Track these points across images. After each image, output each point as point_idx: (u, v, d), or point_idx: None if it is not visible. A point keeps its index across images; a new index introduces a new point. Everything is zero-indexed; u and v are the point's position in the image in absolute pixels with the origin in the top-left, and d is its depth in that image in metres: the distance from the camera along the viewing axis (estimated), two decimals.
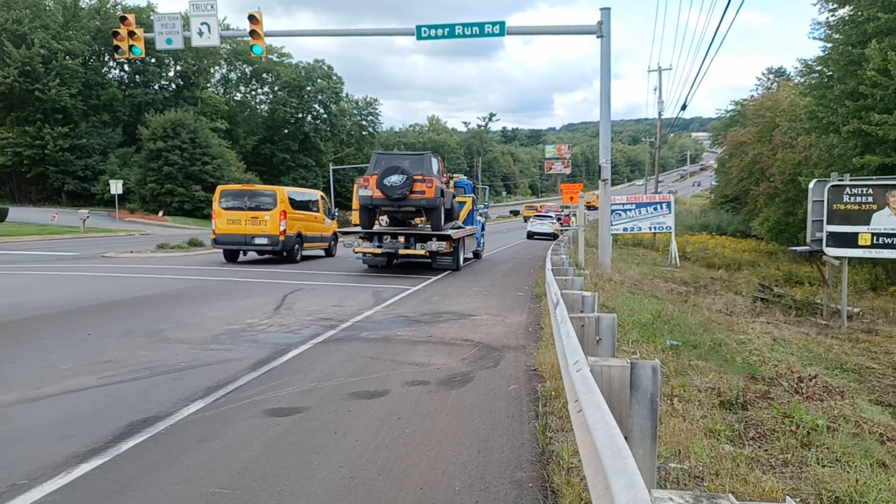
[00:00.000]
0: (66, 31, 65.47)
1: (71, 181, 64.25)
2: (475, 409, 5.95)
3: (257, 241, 20.36)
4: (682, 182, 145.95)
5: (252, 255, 22.15)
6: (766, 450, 5.07)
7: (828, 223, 15.68)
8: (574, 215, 52.25)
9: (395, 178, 17.24)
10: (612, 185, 19.43)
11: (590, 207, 44.48)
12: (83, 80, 65.27)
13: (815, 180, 16.87)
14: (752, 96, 51.25)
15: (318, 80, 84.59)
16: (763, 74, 58.00)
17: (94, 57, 70.53)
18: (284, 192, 21.57)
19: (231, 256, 21.65)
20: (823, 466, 4.68)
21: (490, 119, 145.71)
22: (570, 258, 18.13)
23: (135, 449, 4.78)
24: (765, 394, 6.69)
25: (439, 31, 18.85)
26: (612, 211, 24.73)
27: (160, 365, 7.35)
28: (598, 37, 18.38)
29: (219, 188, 21.95)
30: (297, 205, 22.00)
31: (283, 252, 21.00)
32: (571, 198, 27.76)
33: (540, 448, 4.93)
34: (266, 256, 22.04)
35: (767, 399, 6.49)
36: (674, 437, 4.94)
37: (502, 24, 18.41)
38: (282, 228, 20.38)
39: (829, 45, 24.70)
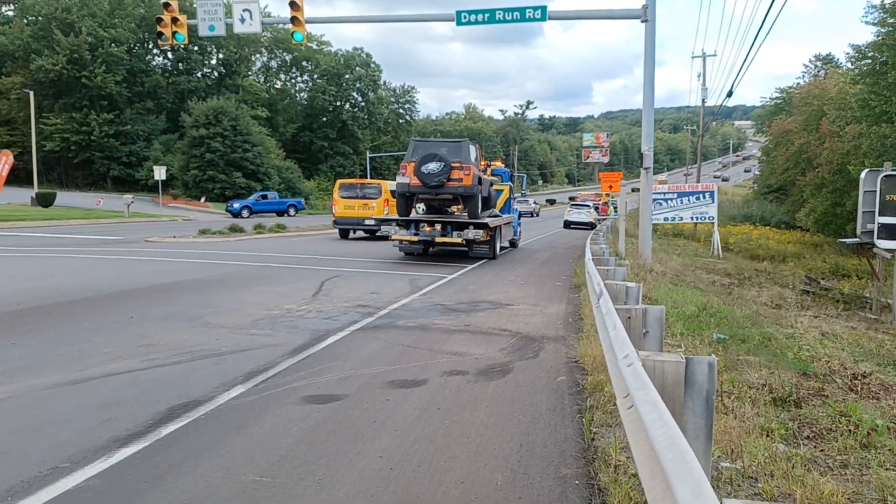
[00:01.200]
0: (112, 19, 66.55)
1: (116, 167, 65.53)
2: (515, 401, 5.82)
3: (366, 222, 25.17)
4: (731, 169, 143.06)
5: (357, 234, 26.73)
6: (822, 450, 4.84)
7: (880, 214, 15.15)
8: (612, 205, 51.66)
9: (432, 166, 17.10)
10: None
11: None
12: (128, 68, 66.42)
13: (867, 170, 16.30)
14: (799, 84, 49.78)
15: (357, 69, 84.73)
16: (810, 61, 56.21)
17: (138, 45, 71.64)
18: (386, 185, 26.32)
19: (344, 234, 26.66)
20: (887, 470, 4.45)
21: (527, 107, 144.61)
22: (610, 248, 17.82)
23: (175, 434, 4.76)
24: (818, 391, 6.42)
25: (479, 17, 18.61)
26: (653, 200, 24.26)
27: (201, 349, 7.36)
28: (642, 21, 17.95)
29: (338, 181, 28.36)
30: (393, 195, 25.88)
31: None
32: (611, 186, 27.27)
33: (585, 443, 4.78)
34: (365, 235, 26.51)
35: (821, 396, 6.23)
36: (725, 434, 4.75)
37: (544, 8, 18.10)
38: (385, 213, 24.50)
39: (884, 29, 23.76)
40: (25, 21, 65.00)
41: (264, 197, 49.70)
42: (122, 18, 67.81)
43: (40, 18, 63.76)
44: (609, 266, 9.90)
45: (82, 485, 3.87)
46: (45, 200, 41.82)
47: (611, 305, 5.73)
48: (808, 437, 5.15)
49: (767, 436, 4.98)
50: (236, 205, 47.58)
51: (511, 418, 5.34)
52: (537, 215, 62.42)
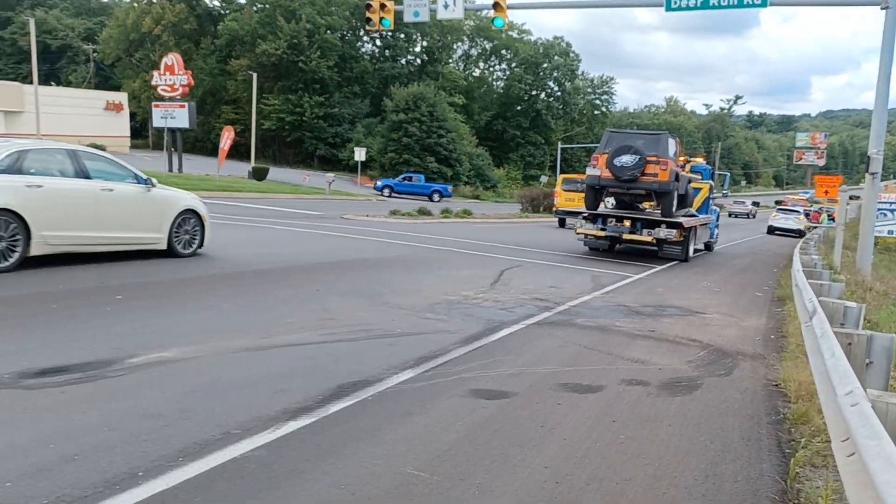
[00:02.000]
0: (329, 7, 71.21)
1: (322, 147, 70.28)
2: (702, 424, 5.21)
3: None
4: None
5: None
6: None
7: None
8: (826, 212, 46.99)
9: (626, 159, 16.26)
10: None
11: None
12: (340, 54, 70.78)
13: None
14: None
15: (555, 58, 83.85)
16: None
17: (350, 32, 76.00)
18: None
19: (562, 223, 29.56)
20: None
21: (735, 102, 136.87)
22: (823, 259, 16.00)
23: (342, 413, 4.74)
24: None
25: (692, 2, 17.37)
26: (878, 210, 21.51)
27: (377, 328, 7.44)
28: (882, 8, 15.79)
29: (561, 176, 34.46)
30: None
31: None
32: (827, 192, 24.62)
33: (785, 485, 4.12)
34: None
35: None
36: None
37: None
38: None
39: None
40: (254, 9, 71.49)
41: (408, 179, 50.67)
42: (337, 6, 72.27)
43: (267, 6, 69.91)
44: (822, 280, 8.75)
45: (248, 454, 3.91)
46: (259, 174, 45.76)
47: (827, 327, 4.94)
48: None
49: None
50: (379, 183, 49.62)
51: (696, 442, 4.77)
52: (754, 217, 62.87)
